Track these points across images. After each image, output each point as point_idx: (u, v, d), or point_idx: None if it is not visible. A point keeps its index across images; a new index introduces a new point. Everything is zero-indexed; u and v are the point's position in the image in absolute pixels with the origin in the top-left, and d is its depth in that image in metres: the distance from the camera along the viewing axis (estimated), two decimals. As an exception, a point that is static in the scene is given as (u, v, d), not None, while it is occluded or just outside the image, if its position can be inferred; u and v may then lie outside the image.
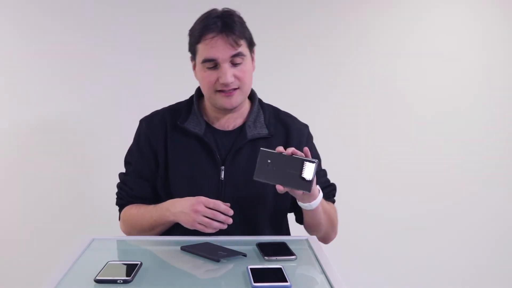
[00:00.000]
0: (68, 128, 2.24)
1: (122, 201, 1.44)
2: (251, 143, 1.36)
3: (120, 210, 1.45)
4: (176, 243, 1.19)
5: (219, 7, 1.34)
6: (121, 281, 0.94)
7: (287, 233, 1.48)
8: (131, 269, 0.99)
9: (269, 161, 1.18)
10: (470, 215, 2.45)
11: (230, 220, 1.23)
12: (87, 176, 2.26)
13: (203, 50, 1.30)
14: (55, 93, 2.22)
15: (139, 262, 1.03)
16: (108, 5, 2.21)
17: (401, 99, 2.38)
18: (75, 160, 2.25)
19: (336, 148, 2.36)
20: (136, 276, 0.97)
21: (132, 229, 1.40)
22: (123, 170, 1.46)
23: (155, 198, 1.39)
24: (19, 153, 2.24)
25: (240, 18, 1.34)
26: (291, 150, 1.19)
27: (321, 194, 1.29)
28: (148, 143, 1.39)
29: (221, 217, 1.22)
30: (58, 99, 2.22)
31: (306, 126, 1.50)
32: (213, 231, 1.22)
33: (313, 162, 1.17)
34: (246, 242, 1.22)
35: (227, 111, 1.37)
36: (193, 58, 1.36)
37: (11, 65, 2.21)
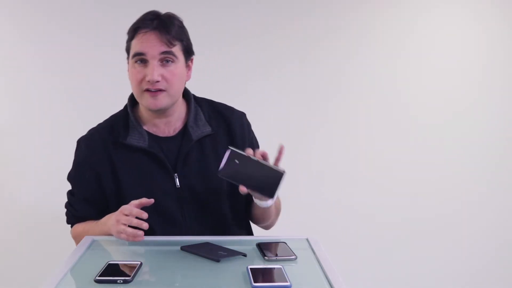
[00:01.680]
0: (68, 127, 2.24)
1: (70, 220, 1.44)
2: (197, 143, 1.34)
3: (70, 225, 1.46)
4: (176, 243, 1.19)
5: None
6: (121, 281, 0.94)
7: (250, 225, 1.48)
8: (131, 269, 0.99)
9: (236, 161, 1.17)
10: (471, 216, 2.45)
11: (145, 225, 1.16)
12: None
13: (135, 45, 1.27)
14: (58, 92, 2.22)
15: (139, 262, 1.03)
16: (107, 5, 2.21)
17: (401, 99, 2.38)
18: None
19: (336, 149, 2.36)
20: (136, 276, 0.97)
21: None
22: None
23: (102, 217, 1.34)
24: (20, 153, 2.24)
25: (181, 23, 1.31)
26: (260, 153, 1.18)
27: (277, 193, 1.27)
28: (88, 165, 1.35)
29: (134, 221, 1.16)
30: (61, 98, 2.22)
31: (243, 115, 1.46)
32: (133, 239, 1.16)
33: (281, 172, 1.15)
34: (246, 242, 1.22)
35: (160, 114, 1.33)
36: (128, 58, 1.32)
37: (9, 65, 2.21)
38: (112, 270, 0.99)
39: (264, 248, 1.15)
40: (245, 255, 1.10)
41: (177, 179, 1.32)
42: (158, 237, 1.26)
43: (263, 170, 1.16)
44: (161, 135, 1.36)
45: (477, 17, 2.36)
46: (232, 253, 1.11)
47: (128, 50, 1.32)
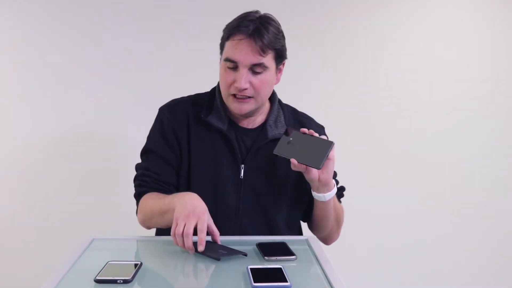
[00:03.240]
0: (68, 128, 2.24)
1: (145, 188, 1.36)
2: (271, 143, 1.34)
3: (139, 199, 1.38)
4: (176, 243, 1.19)
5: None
6: (121, 281, 0.94)
7: (299, 233, 1.48)
8: (131, 269, 0.99)
9: (291, 139, 1.26)
10: (471, 214, 2.45)
11: (191, 251, 1.10)
12: (87, 176, 2.25)
13: (228, 48, 1.28)
14: (57, 95, 2.22)
15: (139, 262, 1.03)
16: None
17: (405, 100, 2.37)
18: (75, 160, 2.25)
19: (337, 149, 2.36)
20: (136, 276, 0.97)
21: (145, 216, 1.34)
22: (139, 162, 1.41)
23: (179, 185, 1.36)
24: (18, 153, 2.24)
25: (277, 29, 1.30)
26: (312, 131, 1.26)
27: (335, 188, 1.32)
28: (172, 130, 1.36)
29: (188, 243, 1.08)
30: (60, 101, 2.22)
31: (322, 128, 1.51)
32: (180, 244, 1.11)
33: (329, 142, 1.23)
34: (246, 242, 1.22)
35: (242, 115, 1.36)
36: (221, 53, 1.34)
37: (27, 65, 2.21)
38: (112, 270, 0.99)
39: (264, 248, 1.15)
40: (245, 255, 1.10)
41: (242, 170, 1.34)
42: (158, 237, 1.26)
43: (314, 143, 1.24)
44: (240, 124, 1.38)
45: (481, 16, 2.36)
46: (232, 252, 1.11)
47: (222, 47, 1.33)
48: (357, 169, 2.38)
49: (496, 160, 2.43)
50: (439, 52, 2.36)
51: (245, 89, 1.27)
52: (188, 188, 1.33)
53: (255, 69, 1.27)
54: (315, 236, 1.29)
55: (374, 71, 2.35)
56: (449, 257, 2.45)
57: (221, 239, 1.23)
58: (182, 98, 1.44)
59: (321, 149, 1.22)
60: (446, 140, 2.41)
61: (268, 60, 1.28)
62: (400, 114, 2.38)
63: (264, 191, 1.35)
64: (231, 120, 1.37)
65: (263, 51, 1.25)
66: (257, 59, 1.25)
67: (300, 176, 1.30)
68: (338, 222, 1.46)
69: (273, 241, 1.21)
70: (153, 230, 1.45)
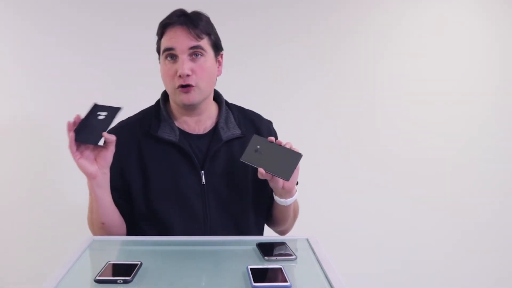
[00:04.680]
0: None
1: None
2: (226, 144, 1.37)
3: None
4: (176, 243, 1.19)
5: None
6: (121, 281, 0.94)
7: (262, 230, 1.51)
8: (131, 269, 0.99)
9: (258, 146, 1.26)
10: (471, 215, 2.45)
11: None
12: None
13: (165, 41, 1.31)
14: (55, 89, 2.22)
15: (139, 262, 1.03)
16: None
17: (406, 101, 2.37)
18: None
19: (338, 149, 2.36)
20: (136, 276, 0.97)
21: (91, 225, 1.37)
22: None
23: (129, 207, 1.36)
24: (20, 153, 2.24)
25: (208, 19, 1.35)
26: (280, 141, 1.26)
27: (297, 193, 1.35)
28: (115, 158, 1.29)
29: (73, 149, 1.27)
30: (60, 99, 2.22)
31: (270, 123, 1.53)
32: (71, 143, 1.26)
33: (298, 154, 1.24)
34: (246, 242, 1.22)
35: (191, 111, 1.37)
36: (159, 55, 1.36)
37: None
38: (112, 270, 0.99)
39: (264, 248, 1.14)
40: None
41: (203, 176, 1.34)
42: (158, 237, 1.26)
43: (282, 153, 1.25)
44: (191, 132, 1.38)
45: (486, 13, 2.36)
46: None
47: (158, 49, 1.35)
48: (357, 169, 2.38)
49: (498, 160, 2.44)
50: (439, 52, 2.36)
51: (188, 75, 1.28)
52: (148, 205, 1.33)
53: (195, 52, 1.29)
54: (315, 236, 1.29)
55: (372, 71, 2.35)
56: (449, 258, 2.45)
57: (221, 239, 1.23)
58: (128, 118, 1.42)
59: (289, 160, 1.24)
60: (446, 140, 2.40)
61: (205, 44, 1.31)
62: (401, 113, 2.38)
63: (228, 193, 1.36)
64: (181, 130, 1.37)
65: (198, 36, 1.28)
66: (194, 42, 1.28)
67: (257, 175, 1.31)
68: (295, 217, 1.50)
69: (273, 241, 1.21)
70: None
